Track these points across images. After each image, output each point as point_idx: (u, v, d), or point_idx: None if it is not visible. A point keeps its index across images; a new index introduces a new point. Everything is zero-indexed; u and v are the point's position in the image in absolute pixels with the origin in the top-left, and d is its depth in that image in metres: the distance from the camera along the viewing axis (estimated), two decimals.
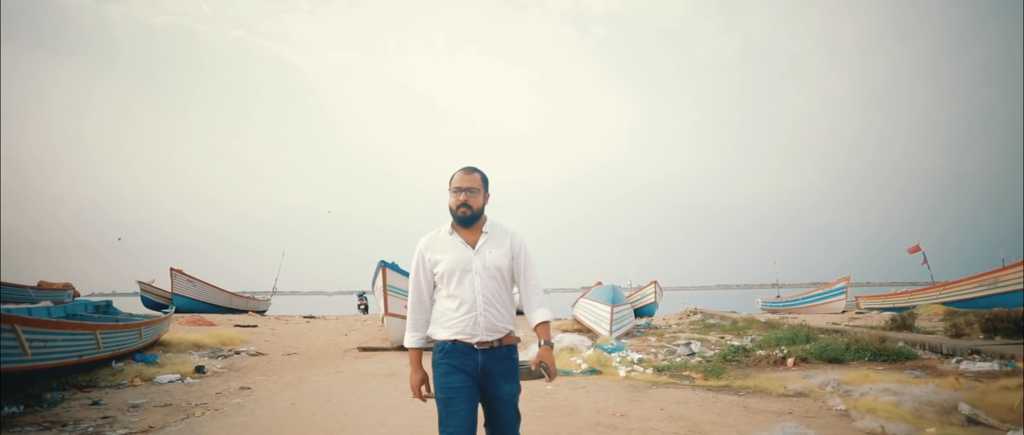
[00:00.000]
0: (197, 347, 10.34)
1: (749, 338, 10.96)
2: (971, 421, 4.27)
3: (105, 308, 11.23)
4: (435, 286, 2.40)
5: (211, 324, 15.27)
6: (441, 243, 2.39)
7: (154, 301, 24.65)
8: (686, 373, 7.33)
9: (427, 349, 2.33)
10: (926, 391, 4.86)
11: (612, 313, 12.39)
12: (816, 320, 16.16)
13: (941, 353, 7.93)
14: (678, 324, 17.45)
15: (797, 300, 26.17)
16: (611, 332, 11.96)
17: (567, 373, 7.47)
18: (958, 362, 7.16)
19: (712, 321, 17.30)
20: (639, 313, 21.97)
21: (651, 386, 6.57)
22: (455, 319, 2.28)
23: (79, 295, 21.95)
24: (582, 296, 16.76)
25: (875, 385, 5.43)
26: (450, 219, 2.42)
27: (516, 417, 2.35)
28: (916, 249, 22.77)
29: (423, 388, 2.34)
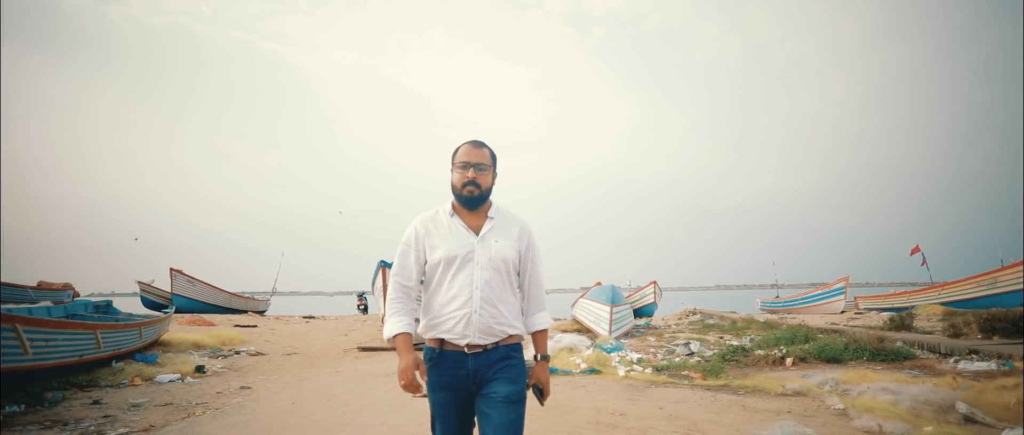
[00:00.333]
0: (197, 347, 10.36)
1: (748, 338, 10.98)
2: (968, 420, 4.29)
3: (105, 308, 11.25)
4: (424, 277, 2.07)
5: (211, 324, 15.28)
6: (440, 226, 2.07)
7: (154, 301, 24.66)
8: (685, 373, 7.35)
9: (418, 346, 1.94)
10: (924, 390, 4.88)
11: (611, 313, 12.41)
12: (815, 320, 16.18)
13: (939, 353, 7.96)
14: (677, 324, 17.47)
15: (796, 300, 26.19)
16: (610, 332, 11.98)
17: (567, 373, 7.49)
18: (956, 362, 7.18)
19: (711, 321, 17.32)
20: (638, 313, 21.98)
21: (650, 385, 6.59)
22: (445, 317, 1.96)
23: (79, 295, 21.96)
24: (581, 296, 16.78)
25: (873, 384, 5.45)
26: (449, 200, 2.11)
27: (514, 430, 1.89)
28: (916, 250, 22.81)
29: (417, 374, 1.91)
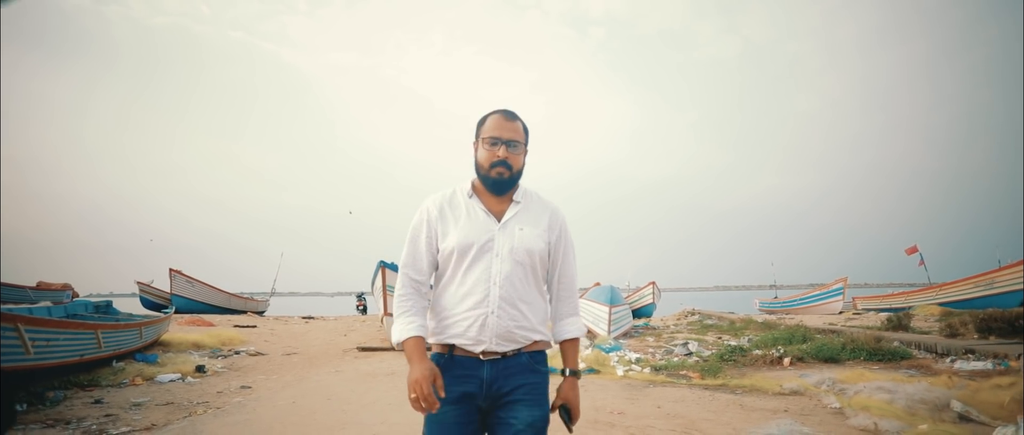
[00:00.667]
0: (197, 347, 10.38)
1: (746, 338, 11.03)
2: (963, 418, 4.33)
3: (105, 308, 11.27)
4: (437, 268, 1.77)
5: (210, 324, 15.30)
6: (456, 208, 1.75)
7: (153, 301, 24.67)
8: (683, 372, 7.39)
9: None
10: (919, 389, 4.93)
11: (610, 313, 12.46)
12: (813, 321, 16.23)
13: (936, 353, 8.00)
14: (676, 325, 17.51)
15: (795, 301, 26.25)
16: (609, 332, 12.03)
17: None
18: (952, 361, 7.22)
19: (710, 322, 17.36)
20: (637, 314, 22.03)
21: (648, 385, 6.63)
22: (456, 317, 1.67)
23: (78, 295, 21.97)
24: (580, 296, 16.82)
25: (870, 383, 5.50)
26: (470, 179, 1.81)
27: None
28: (913, 250, 22.86)
29: (434, 388, 1.55)
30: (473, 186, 1.79)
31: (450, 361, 1.66)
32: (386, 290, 10.57)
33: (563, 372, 1.76)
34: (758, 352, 8.57)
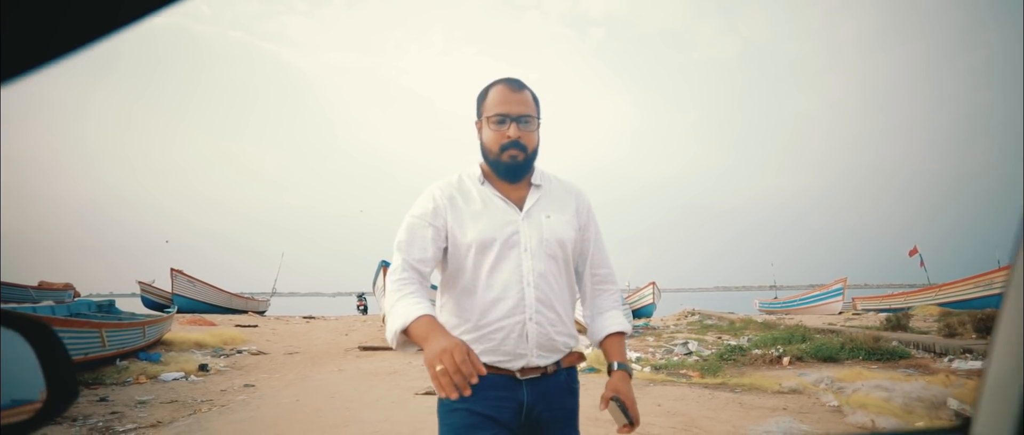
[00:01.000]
0: (199, 346, 10.44)
1: (746, 338, 11.08)
2: (959, 416, 4.39)
3: (108, 308, 11.33)
4: (439, 266, 1.51)
5: (212, 324, 15.35)
6: (469, 197, 1.49)
7: (155, 301, 24.73)
8: (683, 371, 7.45)
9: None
10: (916, 387, 4.98)
11: None
12: (813, 321, 16.28)
13: (934, 352, 8.06)
14: (676, 325, 17.56)
15: (794, 301, 26.31)
16: None
17: None
18: (950, 361, 7.28)
19: (710, 322, 17.42)
20: (637, 314, 22.08)
21: (649, 384, 6.68)
22: (487, 328, 1.42)
23: (79, 295, 22.03)
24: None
25: (867, 382, 5.55)
26: (475, 163, 1.56)
27: None
28: (914, 251, 22.92)
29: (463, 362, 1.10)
30: (483, 171, 1.53)
31: (480, 378, 1.26)
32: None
33: (610, 367, 1.49)
34: (757, 352, 8.63)
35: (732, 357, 8.43)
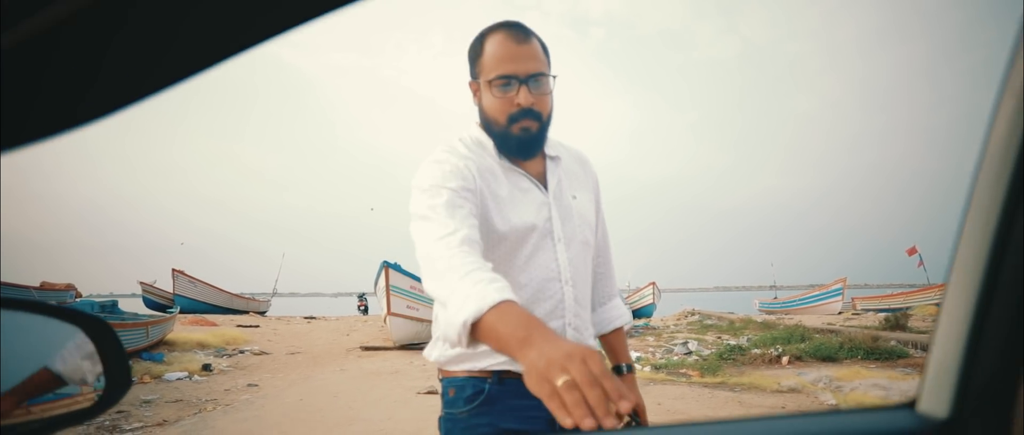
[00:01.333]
0: (202, 346, 10.50)
1: (745, 338, 11.14)
2: None
3: (111, 308, 11.40)
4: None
5: (213, 324, 15.41)
6: (494, 174, 1.21)
7: (156, 302, 24.79)
8: (683, 371, 7.51)
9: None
10: (913, 385, 5.04)
11: None
12: (812, 321, 16.34)
13: None
14: (676, 325, 17.63)
15: (794, 301, 26.37)
16: None
17: None
18: None
19: (709, 322, 17.48)
20: (637, 314, 22.14)
21: (648, 383, 6.74)
22: None
23: (81, 296, 22.10)
24: None
25: (865, 381, 5.62)
26: (469, 130, 1.28)
27: None
28: (913, 251, 22.99)
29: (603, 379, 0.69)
30: (497, 148, 1.23)
31: (500, 390, 1.15)
32: (389, 290, 10.69)
33: (617, 369, 1.35)
34: (757, 351, 8.69)
35: (731, 357, 8.49)
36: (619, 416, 0.71)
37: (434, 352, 1.23)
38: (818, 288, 25.29)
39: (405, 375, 7.37)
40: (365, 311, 28.12)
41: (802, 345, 8.70)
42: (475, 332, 0.86)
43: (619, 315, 1.40)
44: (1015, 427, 0.41)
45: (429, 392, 5.94)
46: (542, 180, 1.26)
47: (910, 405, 0.49)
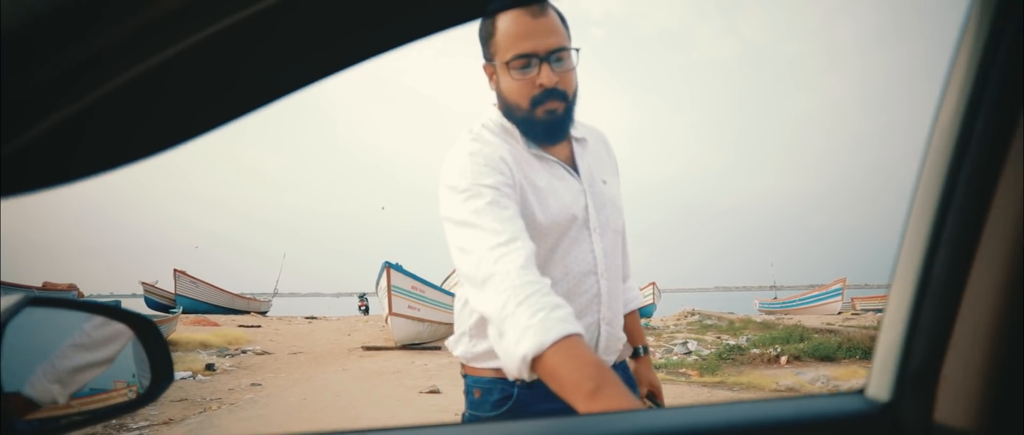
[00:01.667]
0: (204, 346, 10.57)
1: (745, 338, 11.21)
2: None
3: None
4: None
5: (215, 324, 15.48)
6: (523, 160, 1.11)
7: (158, 302, 24.86)
8: (682, 370, 7.57)
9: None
10: None
11: None
12: (812, 321, 16.40)
13: None
14: (676, 325, 17.69)
15: (794, 301, 26.43)
16: None
17: None
18: None
19: (709, 322, 17.54)
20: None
21: None
22: None
23: (83, 296, 22.16)
24: None
25: (863, 380, 5.68)
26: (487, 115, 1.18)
27: None
28: None
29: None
30: (523, 135, 1.14)
31: (529, 394, 1.07)
32: (391, 291, 10.75)
33: (635, 351, 1.33)
34: (756, 351, 8.75)
35: (731, 356, 8.55)
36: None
37: (459, 347, 1.17)
38: (818, 288, 25.35)
39: (407, 375, 7.43)
40: (366, 311, 28.17)
41: (801, 345, 8.76)
42: (535, 367, 0.79)
43: (634, 297, 1.36)
44: (938, 406, 0.47)
45: (431, 391, 6.01)
46: (572, 166, 1.17)
47: (859, 391, 0.55)
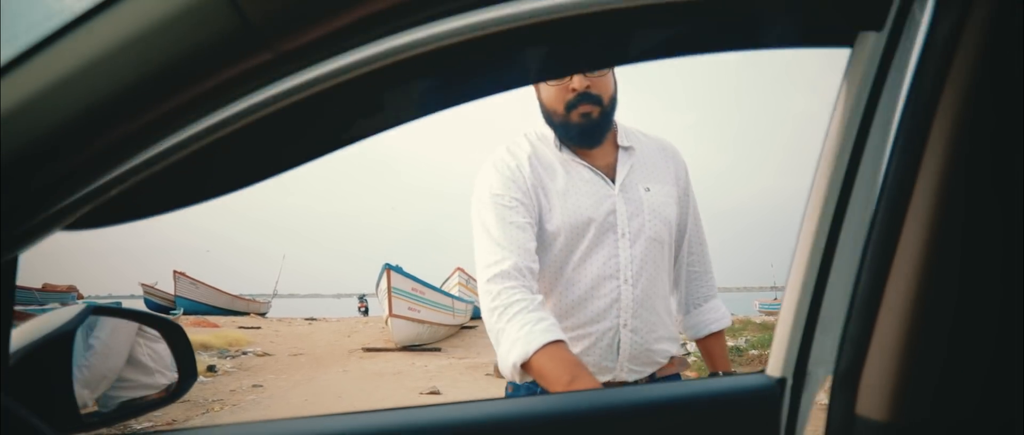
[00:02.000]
0: (205, 348, 10.60)
1: (743, 339, 11.25)
2: None
3: None
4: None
5: (215, 326, 15.52)
6: (549, 168, 1.19)
7: (157, 304, 24.89)
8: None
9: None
10: None
11: None
12: None
13: None
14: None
15: None
16: None
17: None
18: None
19: None
20: None
21: None
22: (569, 335, 1.11)
23: (83, 297, 22.22)
24: None
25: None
26: (532, 130, 1.27)
27: None
28: None
29: None
30: (557, 139, 1.21)
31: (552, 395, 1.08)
32: (391, 292, 10.81)
33: (714, 376, 1.28)
34: (754, 352, 8.81)
35: (729, 358, 8.61)
36: None
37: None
38: None
39: (407, 376, 7.49)
40: (366, 312, 28.22)
41: None
42: (525, 370, 0.98)
43: (717, 318, 1.32)
44: (818, 381, 0.56)
45: (431, 392, 6.06)
46: (611, 172, 1.20)
47: (762, 371, 0.68)
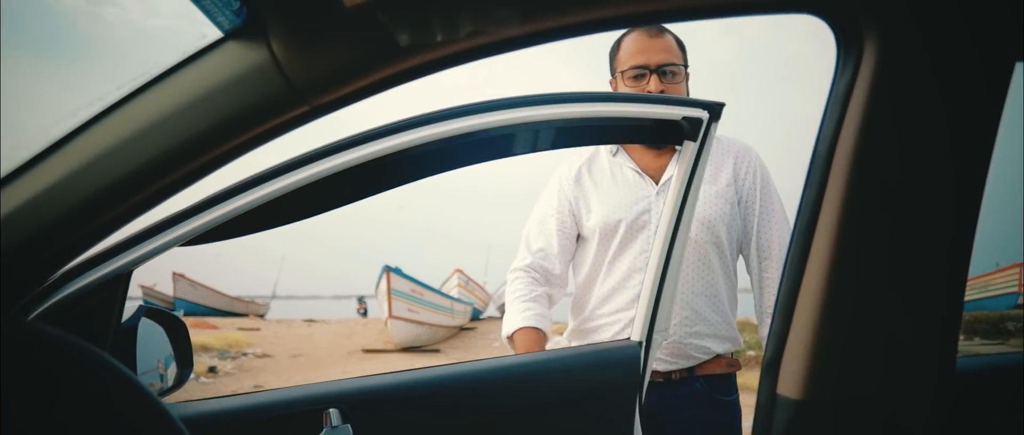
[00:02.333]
0: (205, 349, 10.62)
1: (742, 340, 11.29)
2: None
3: None
4: (572, 260, 1.37)
5: (214, 327, 15.52)
6: (599, 174, 1.32)
7: (157, 305, 24.85)
8: None
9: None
10: None
11: None
12: None
13: None
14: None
15: None
16: None
17: None
18: None
19: None
20: None
21: None
22: (599, 323, 1.28)
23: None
24: None
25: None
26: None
27: None
28: None
29: None
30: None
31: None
32: (391, 294, 10.84)
33: None
34: (752, 353, 8.83)
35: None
36: None
37: None
38: None
39: None
40: (365, 314, 28.20)
41: None
42: (511, 342, 1.29)
43: None
44: (762, 368, 0.63)
45: None
46: (659, 174, 1.29)
47: (627, 339, 0.99)
